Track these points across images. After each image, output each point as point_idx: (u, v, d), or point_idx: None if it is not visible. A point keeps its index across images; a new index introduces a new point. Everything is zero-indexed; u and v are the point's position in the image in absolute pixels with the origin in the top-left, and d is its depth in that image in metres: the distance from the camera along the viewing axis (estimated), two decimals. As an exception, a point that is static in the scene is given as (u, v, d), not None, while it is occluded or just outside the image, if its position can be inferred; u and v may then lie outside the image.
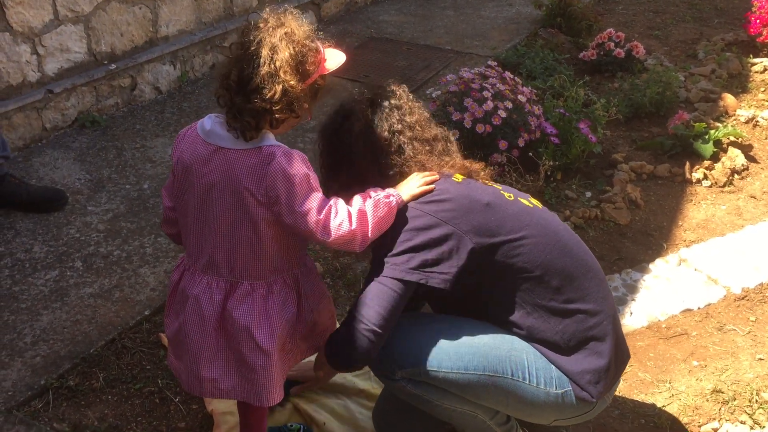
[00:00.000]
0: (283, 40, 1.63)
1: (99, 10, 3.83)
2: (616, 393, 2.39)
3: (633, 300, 2.79)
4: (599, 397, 1.85)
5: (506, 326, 1.86)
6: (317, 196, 1.68)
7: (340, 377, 2.37)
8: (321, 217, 1.66)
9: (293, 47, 1.64)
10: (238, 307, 1.72)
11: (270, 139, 1.70)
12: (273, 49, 1.62)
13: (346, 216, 1.70)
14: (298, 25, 1.69)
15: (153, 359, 2.47)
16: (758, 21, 4.64)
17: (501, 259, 1.78)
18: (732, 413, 2.31)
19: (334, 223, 1.68)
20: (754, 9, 4.73)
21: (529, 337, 1.85)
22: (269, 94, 1.61)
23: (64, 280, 2.78)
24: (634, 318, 2.70)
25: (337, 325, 1.95)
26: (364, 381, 2.35)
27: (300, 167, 1.66)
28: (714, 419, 2.28)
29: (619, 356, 1.91)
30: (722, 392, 2.38)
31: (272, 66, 1.61)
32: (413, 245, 1.74)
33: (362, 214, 1.71)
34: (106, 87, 3.95)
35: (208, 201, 1.69)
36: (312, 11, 5.29)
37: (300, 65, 1.66)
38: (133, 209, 3.22)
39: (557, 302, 1.82)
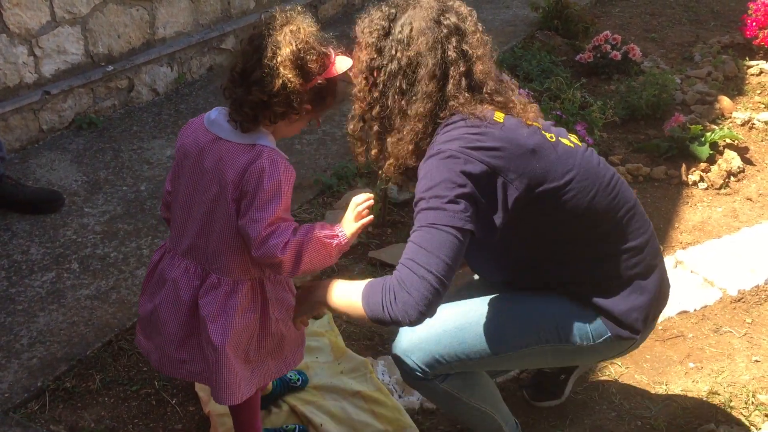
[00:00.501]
0: (287, 36, 1.65)
1: (96, 12, 3.83)
2: (613, 394, 2.40)
3: (629, 302, 2.79)
4: (642, 333, 1.86)
5: (547, 274, 1.85)
6: (276, 210, 1.66)
7: (337, 379, 2.37)
8: (265, 232, 1.65)
9: (296, 44, 1.65)
10: (204, 296, 1.75)
11: (267, 140, 1.70)
12: (276, 45, 1.64)
13: (283, 243, 1.66)
14: (307, 24, 1.71)
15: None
16: (754, 24, 4.65)
17: (547, 207, 1.73)
18: (728, 415, 2.31)
19: (271, 242, 1.65)
20: (750, 12, 4.74)
21: (571, 283, 1.84)
22: (268, 87, 1.63)
23: (61, 282, 2.78)
24: (630, 320, 2.71)
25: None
26: (361, 383, 2.35)
27: (278, 175, 1.65)
28: (710, 421, 2.28)
29: (663, 288, 1.92)
30: (718, 394, 2.38)
31: (274, 60, 1.63)
32: (466, 192, 1.62)
33: (298, 247, 1.68)
34: (103, 89, 3.95)
35: (197, 187, 1.73)
36: (310, 13, 5.28)
37: (301, 62, 1.66)
38: (130, 211, 3.21)
39: (602, 246, 1.81)
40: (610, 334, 1.84)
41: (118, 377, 2.39)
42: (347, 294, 1.73)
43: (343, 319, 2.66)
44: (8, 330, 2.54)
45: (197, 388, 2.32)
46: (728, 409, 2.33)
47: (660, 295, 1.90)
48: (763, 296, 2.84)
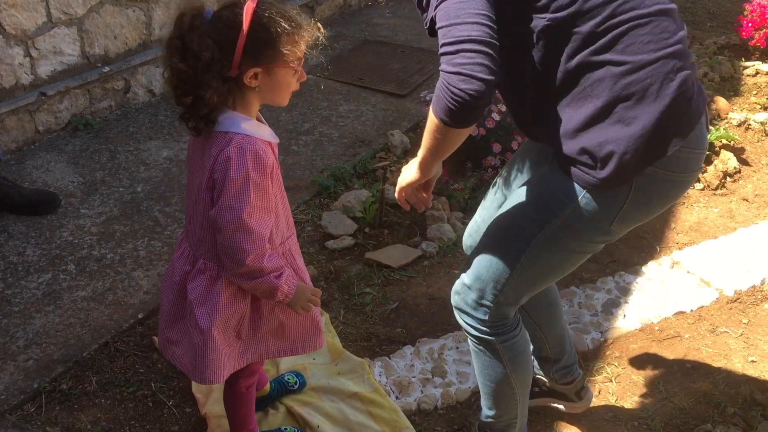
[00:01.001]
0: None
1: (92, 13, 3.82)
2: (610, 394, 2.40)
3: (626, 302, 2.80)
4: (625, 173, 1.53)
5: (530, 103, 1.64)
6: (247, 198, 1.62)
7: (334, 380, 2.37)
8: (240, 224, 1.62)
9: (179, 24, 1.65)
10: (192, 281, 1.77)
11: (241, 126, 1.64)
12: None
13: (257, 254, 1.65)
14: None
15: (146, 363, 2.46)
16: (750, 24, 4.66)
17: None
18: (725, 415, 2.31)
19: (244, 244, 1.63)
20: (746, 13, 4.75)
21: (554, 112, 1.58)
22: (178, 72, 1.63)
23: (57, 284, 2.77)
24: (627, 320, 2.71)
25: (322, 334, 1.96)
26: (358, 384, 2.35)
27: (245, 164, 1.61)
28: (707, 421, 2.29)
29: (668, 120, 1.51)
30: (715, 394, 2.39)
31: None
32: None
33: (263, 267, 1.67)
34: (99, 89, 3.94)
35: (193, 174, 1.76)
36: (306, 14, 5.28)
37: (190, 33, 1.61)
38: (127, 212, 3.21)
39: (582, 54, 1.51)
40: (581, 188, 1.57)
41: (115, 379, 2.39)
42: (425, 133, 1.59)
43: (339, 321, 2.66)
44: (4, 331, 2.53)
45: (194, 389, 2.32)
46: (725, 410, 2.33)
47: (660, 127, 1.50)
48: (759, 296, 2.85)
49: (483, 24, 1.42)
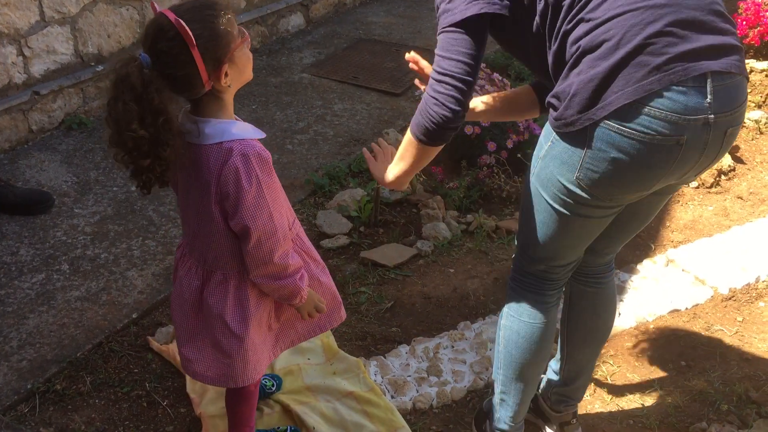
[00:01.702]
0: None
1: (86, 12, 3.81)
2: (604, 393, 2.40)
3: (621, 301, 2.80)
4: (562, 116, 1.59)
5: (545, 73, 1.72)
6: (266, 202, 1.63)
7: (329, 379, 2.36)
8: (262, 227, 1.63)
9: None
10: (213, 295, 1.75)
11: (231, 131, 1.62)
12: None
13: (291, 262, 1.71)
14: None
15: (141, 363, 2.45)
16: (744, 22, 4.66)
17: None
18: (720, 413, 2.32)
19: (276, 249, 1.66)
20: (740, 11, 4.75)
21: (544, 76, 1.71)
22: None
23: (51, 284, 2.76)
24: (622, 319, 2.71)
25: (342, 306, 2.00)
26: (353, 384, 2.35)
27: (254, 169, 1.60)
28: (702, 419, 2.29)
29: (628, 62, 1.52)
30: (710, 392, 2.39)
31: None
32: None
33: (283, 267, 1.70)
34: (93, 89, 3.93)
35: (185, 193, 1.72)
36: (300, 12, 5.29)
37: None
38: (121, 212, 3.20)
39: (562, 21, 1.60)
40: (552, 129, 1.65)
41: (109, 379, 2.38)
42: (401, 148, 1.85)
43: (335, 320, 2.66)
44: (-2, 332, 2.53)
45: (189, 389, 2.31)
46: (720, 408, 2.33)
47: (611, 75, 1.53)
48: (754, 294, 2.85)
49: (465, 63, 1.66)
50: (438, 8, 1.71)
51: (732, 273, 2.94)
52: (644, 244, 3.13)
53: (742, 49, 1.60)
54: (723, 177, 3.59)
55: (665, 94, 1.51)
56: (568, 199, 1.70)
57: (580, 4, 1.57)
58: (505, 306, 1.99)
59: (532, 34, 1.68)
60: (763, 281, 2.92)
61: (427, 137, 1.73)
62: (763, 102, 4.24)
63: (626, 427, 2.28)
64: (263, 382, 2.31)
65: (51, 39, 3.68)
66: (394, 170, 1.91)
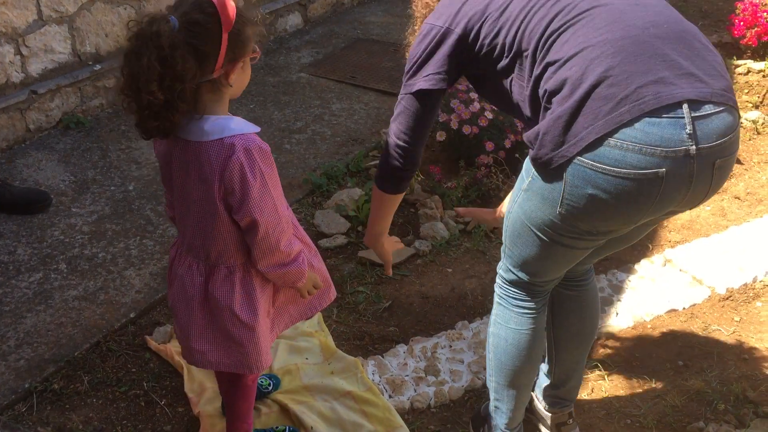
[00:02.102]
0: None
1: (83, 11, 3.81)
2: (602, 392, 2.40)
3: (619, 300, 2.80)
4: (538, 156, 1.61)
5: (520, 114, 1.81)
6: (271, 194, 1.66)
7: (327, 379, 2.36)
8: (269, 218, 1.66)
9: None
10: (219, 289, 1.77)
11: (231, 126, 1.63)
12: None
13: (295, 248, 1.77)
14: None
15: (138, 362, 2.45)
16: (742, 23, 4.67)
17: (484, 39, 1.75)
18: (717, 413, 2.32)
19: (282, 239, 1.71)
20: (738, 11, 4.76)
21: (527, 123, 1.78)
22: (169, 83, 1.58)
23: (48, 283, 2.76)
24: (619, 318, 2.71)
25: (332, 286, 2.05)
26: (351, 383, 2.35)
27: (257, 163, 1.62)
28: (699, 419, 2.29)
29: (591, 96, 1.51)
30: (707, 392, 2.39)
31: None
32: (413, 58, 1.85)
33: (287, 254, 1.75)
34: (90, 88, 3.92)
35: (184, 190, 1.72)
36: (298, 12, 5.28)
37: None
38: (118, 211, 3.20)
39: (531, 68, 1.65)
40: (531, 167, 1.68)
41: (107, 378, 2.38)
42: (373, 205, 2.10)
43: (333, 320, 2.66)
44: (-5, 331, 2.52)
45: (187, 389, 2.31)
46: (717, 407, 2.34)
47: (575, 113, 1.53)
48: (751, 294, 2.86)
49: (403, 132, 1.89)
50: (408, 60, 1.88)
51: (729, 273, 2.95)
52: (642, 244, 3.14)
53: (725, 78, 1.56)
54: (720, 177, 3.60)
55: (636, 125, 1.47)
56: (552, 231, 1.70)
57: (545, 49, 1.61)
58: (493, 314, 2.01)
59: (506, 89, 1.76)
60: (760, 281, 2.92)
61: (382, 184, 2.00)
62: (761, 102, 4.25)
63: (623, 426, 2.28)
64: (260, 381, 2.30)
65: (49, 38, 3.67)
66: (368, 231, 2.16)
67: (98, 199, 3.27)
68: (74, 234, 3.04)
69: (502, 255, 1.94)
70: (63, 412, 2.26)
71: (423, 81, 1.81)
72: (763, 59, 4.59)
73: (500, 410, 2.06)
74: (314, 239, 3.05)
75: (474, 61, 1.78)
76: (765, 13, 4.56)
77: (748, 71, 4.57)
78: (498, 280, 1.99)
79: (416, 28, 1.99)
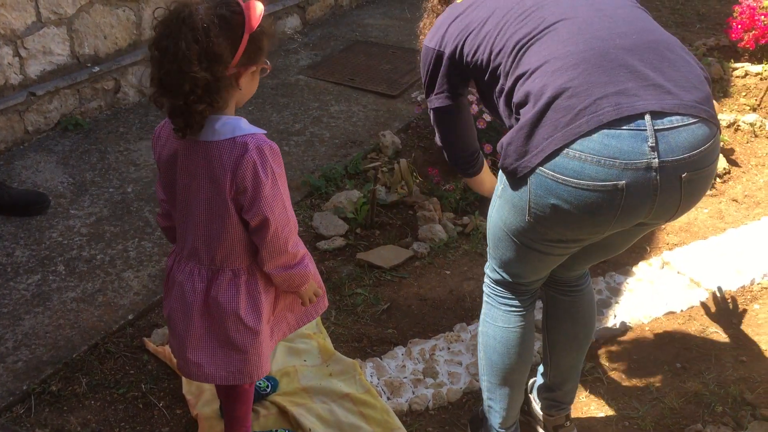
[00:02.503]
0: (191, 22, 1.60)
1: (82, 13, 3.81)
2: (600, 394, 2.40)
3: (616, 303, 2.81)
4: (503, 166, 1.64)
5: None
6: (282, 192, 1.68)
7: (326, 381, 2.36)
8: (279, 218, 1.67)
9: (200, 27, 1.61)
10: (224, 293, 1.76)
11: (242, 126, 1.65)
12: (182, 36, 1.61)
13: (301, 249, 1.79)
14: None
15: (137, 364, 2.45)
16: (739, 26, 4.68)
17: (467, 57, 1.83)
18: (715, 415, 2.32)
19: (290, 236, 1.73)
20: (735, 14, 4.77)
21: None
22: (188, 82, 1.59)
23: (47, 285, 2.76)
24: (617, 320, 2.72)
25: (325, 294, 2.05)
26: (349, 385, 2.35)
27: (269, 162, 1.64)
28: (697, 421, 2.30)
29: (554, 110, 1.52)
30: (705, 394, 2.40)
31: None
32: (422, 79, 1.99)
33: (294, 254, 1.76)
34: (89, 90, 3.92)
35: (189, 192, 1.71)
36: (297, 14, 5.29)
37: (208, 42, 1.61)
38: (117, 213, 3.20)
39: (504, 81, 1.70)
40: (502, 175, 1.72)
41: (105, 380, 2.38)
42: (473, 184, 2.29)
43: (331, 322, 2.66)
44: (-7, 333, 2.52)
45: (185, 391, 2.31)
46: (715, 409, 2.34)
47: (535, 124, 1.55)
48: (748, 297, 2.86)
49: (449, 141, 2.10)
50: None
51: (727, 275, 2.95)
52: (640, 247, 3.14)
53: (701, 89, 1.54)
54: (718, 180, 3.60)
55: (594, 136, 1.47)
56: (525, 237, 1.73)
57: (514, 63, 1.66)
58: (482, 313, 2.02)
59: (493, 98, 1.82)
60: (757, 283, 2.93)
61: (459, 171, 2.21)
62: (758, 105, 4.26)
63: (621, 429, 2.29)
64: (258, 383, 2.30)
65: (47, 40, 3.68)
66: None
67: (96, 201, 3.27)
68: (72, 236, 3.04)
69: (488, 255, 1.96)
70: (61, 414, 2.26)
71: (435, 100, 1.96)
72: (760, 62, 4.60)
73: (493, 409, 2.06)
74: (313, 241, 3.05)
75: (467, 75, 1.90)
76: (763, 17, 4.57)
77: (746, 74, 4.58)
78: (485, 279, 2.01)
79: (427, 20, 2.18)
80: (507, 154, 1.62)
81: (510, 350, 1.95)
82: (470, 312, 2.75)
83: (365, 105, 4.27)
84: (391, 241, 3.11)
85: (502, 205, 1.76)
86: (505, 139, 1.64)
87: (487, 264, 1.98)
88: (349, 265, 2.95)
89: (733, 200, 3.49)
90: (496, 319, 1.96)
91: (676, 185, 1.52)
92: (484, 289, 2.02)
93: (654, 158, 1.46)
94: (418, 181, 3.41)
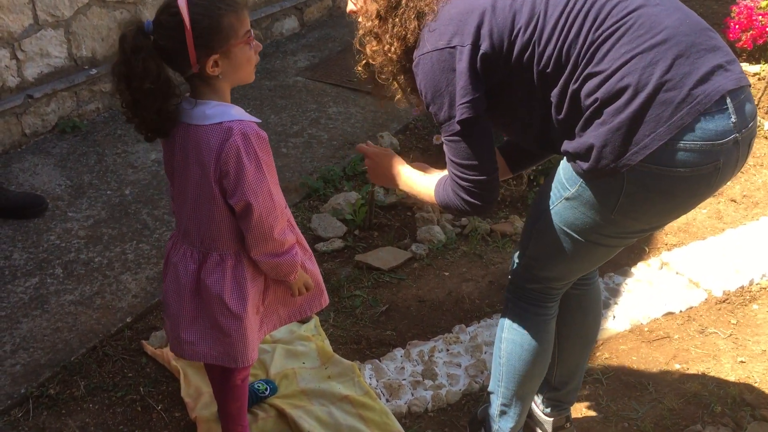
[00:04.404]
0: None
1: (80, 15, 3.80)
2: (600, 395, 2.40)
3: (616, 303, 2.80)
4: (594, 168, 1.60)
5: (541, 134, 1.76)
6: (266, 178, 1.69)
7: (324, 383, 2.36)
8: (263, 203, 1.68)
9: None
10: (210, 276, 1.78)
11: (231, 112, 1.69)
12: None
13: (288, 239, 1.79)
14: None
15: (135, 367, 2.44)
16: (737, 26, 4.68)
17: (522, 47, 1.64)
18: (714, 416, 2.32)
19: (276, 225, 1.73)
20: (733, 15, 4.78)
21: (555, 137, 1.71)
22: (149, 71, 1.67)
23: (45, 288, 2.75)
24: (616, 321, 2.72)
25: (325, 292, 2.05)
26: (348, 387, 2.35)
27: (253, 148, 1.66)
28: (696, 422, 2.29)
29: (646, 110, 1.53)
30: (704, 395, 2.39)
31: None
32: (435, 93, 1.68)
33: (281, 242, 1.76)
34: (86, 92, 3.92)
35: (183, 175, 1.75)
36: (295, 16, 5.29)
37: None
38: (115, 215, 3.19)
39: (562, 79, 1.62)
40: (578, 176, 1.66)
41: (103, 383, 2.37)
42: (420, 185, 1.93)
43: (329, 324, 2.65)
44: (-9, 336, 2.52)
45: (183, 393, 2.31)
46: (714, 410, 2.34)
47: (637, 121, 1.54)
48: (747, 297, 2.86)
49: (476, 166, 1.71)
50: (427, 106, 1.73)
51: (726, 276, 2.95)
52: (638, 247, 3.14)
53: (735, 60, 1.62)
54: (716, 180, 3.61)
55: (695, 126, 1.53)
56: (598, 234, 1.72)
57: (583, 62, 1.59)
58: (505, 319, 2.00)
59: (528, 105, 1.71)
60: (756, 284, 2.93)
61: (453, 213, 1.91)
62: (756, 105, 4.26)
63: (621, 430, 2.28)
64: (257, 386, 2.30)
65: (45, 42, 3.67)
66: (408, 187, 1.98)
67: (94, 204, 3.26)
68: (70, 238, 3.03)
69: (521, 260, 1.91)
70: (59, 418, 2.26)
71: (466, 109, 1.66)
72: (758, 62, 4.60)
73: (508, 415, 2.06)
74: (311, 243, 3.05)
75: (498, 76, 1.68)
76: (760, 17, 4.57)
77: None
78: (511, 286, 1.98)
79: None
80: (602, 156, 1.58)
81: (536, 358, 1.96)
82: (469, 313, 2.75)
83: (363, 106, 4.27)
84: (390, 242, 3.10)
85: (574, 207, 1.70)
86: (595, 141, 1.57)
87: (516, 272, 1.95)
88: (347, 267, 2.95)
89: (732, 200, 3.49)
90: (525, 327, 1.94)
91: (746, 153, 1.64)
92: (508, 295, 1.99)
93: (737, 132, 1.57)
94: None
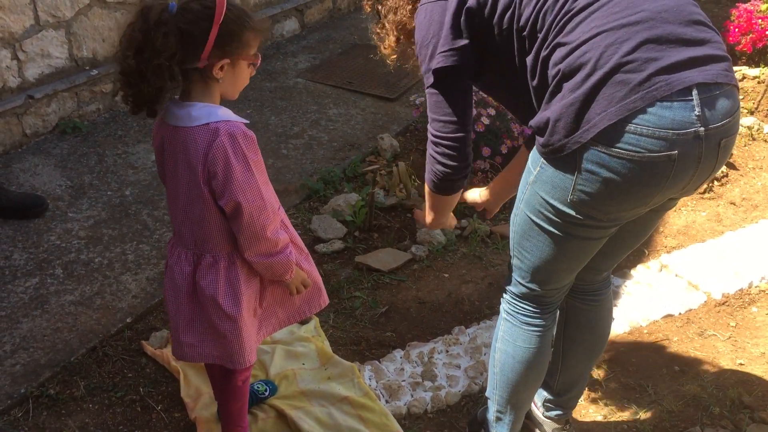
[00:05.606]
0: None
1: (80, 16, 3.81)
2: (599, 397, 2.40)
3: (615, 306, 2.80)
4: (549, 143, 1.59)
5: (530, 108, 1.74)
6: (254, 177, 1.69)
7: (324, 384, 2.36)
8: (253, 203, 1.68)
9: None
10: (205, 278, 1.79)
11: (218, 113, 1.69)
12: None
13: (282, 238, 1.79)
14: None
15: (135, 367, 2.45)
16: (737, 30, 4.69)
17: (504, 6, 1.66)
18: (713, 418, 2.32)
19: (268, 224, 1.72)
20: (732, 18, 4.79)
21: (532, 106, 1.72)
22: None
23: (45, 288, 2.76)
24: (616, 323, 2.71)
25: (324, 292, 2.05)
26: (348, 388, 2.35)
27: (240, 147, 1.66)
28: (695, 424, 2.30)
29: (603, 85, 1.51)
30: (703, 397, 2.40)
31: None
32: (422, 43, 1.74)
33: (274, 242, 1.76)
34: (87, 93, 3.92)
35: (174, 177, 1.75)
36: (295, 17, 5.29)
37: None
38: (115, 216, 3.19)
39: (536, 45, 1.63)
40: (540, 155, 1.65)
41: (103, 383, 2.37)
42: (426, 196, 1.99)
43: (329, 325, 2.66)
44: (-9, 336, 2.52)
45: (183, 394, 2.31)
46: (713, 412, 2.34)
47: (590, 98, 1.52)
48: (746, 299, 2.87)
49: (450, 122, 1.75)
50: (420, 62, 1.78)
51: (725, 278, 2.95)
52: (638, 250, 3.14)
53: (727, 57, 1.59)
54: (716, 183, 3.61)
55: (649, 110, 1.49)
56: (563, 222, 1.69)
57: (555, 30, 1.58)
58: (500, 329, 1.98)
59: (514, 73, 1.71)
60: (755, 286, 2.93)
61: (438, 189, 1.89)
62: (756, 108, 4.26)
63: (620, 431, 2.29)
64: (256, 387, 2.31)
65: (46, 43, 3.67)
66: (429, 217, 2.06)
67: (95, 204, 3.27)
68: (70, 239, 3.03)
69: (511, 268, 1.91)
70: (59, 418, 2.26)
71: (444, 58, 1.70)
72: (758, 65, 4.61)
73: (503, 421, 2.06)
74: (311, 244, 3.05)
75: (486, 35, 1.70)
76: (760, 20, 4.58)
77: (743, 77, 4.59)
78: (506, 296, 1.96)
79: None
80: (555, 131, 1.57)
81: (528, 370, 1.95)
82: (468, 315, 2.75)
83: (363, 108, 4.27)
84: (390, 244, 3.11)
85: (537, 190, 1.68)
86: (551, 115, 1.57)
87: (509, 279, 1.94)
88: (347, 268, 2.95)
89: (731, 203, 3.49)
90: (517, 339, 1.93)
91: (714, 152, 1.57)
92: (504, 307, 1.97)
93: (701, 126, 1.52)
94: (416, 184, 3.42)
